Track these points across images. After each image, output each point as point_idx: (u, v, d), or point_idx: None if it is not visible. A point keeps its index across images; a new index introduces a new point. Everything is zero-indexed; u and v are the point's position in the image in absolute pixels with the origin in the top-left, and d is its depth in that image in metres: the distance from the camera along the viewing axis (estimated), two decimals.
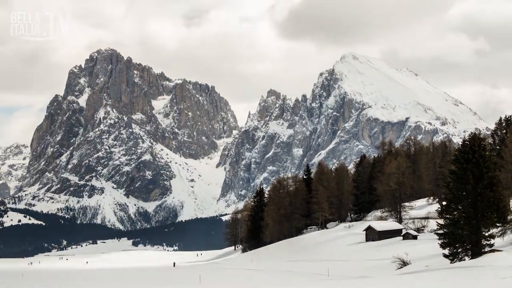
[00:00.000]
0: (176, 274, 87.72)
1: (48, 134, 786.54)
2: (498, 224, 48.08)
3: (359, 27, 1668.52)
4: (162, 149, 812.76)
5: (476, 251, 46.93)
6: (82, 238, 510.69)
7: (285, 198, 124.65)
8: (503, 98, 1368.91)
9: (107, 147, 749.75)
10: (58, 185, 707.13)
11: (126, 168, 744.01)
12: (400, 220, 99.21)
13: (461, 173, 47.33)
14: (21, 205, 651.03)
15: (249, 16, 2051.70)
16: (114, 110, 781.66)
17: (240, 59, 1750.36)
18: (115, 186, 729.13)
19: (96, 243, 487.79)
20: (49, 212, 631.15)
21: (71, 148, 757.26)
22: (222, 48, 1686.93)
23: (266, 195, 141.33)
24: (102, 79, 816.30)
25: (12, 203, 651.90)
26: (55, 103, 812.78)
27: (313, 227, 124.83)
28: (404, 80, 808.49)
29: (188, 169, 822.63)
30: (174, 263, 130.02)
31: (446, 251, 48.25)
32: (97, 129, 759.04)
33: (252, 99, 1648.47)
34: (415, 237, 79.75)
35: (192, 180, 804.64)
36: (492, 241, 47.63)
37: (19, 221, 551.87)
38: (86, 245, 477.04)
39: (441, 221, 49.96)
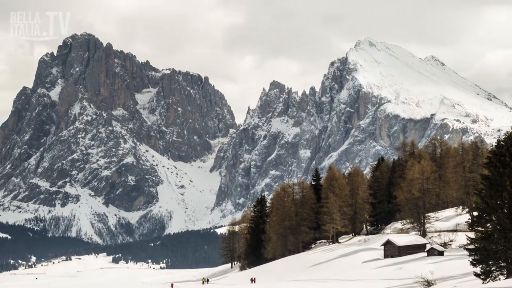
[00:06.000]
0: None
1: (14, 133, 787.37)
2: None
3: None
4: (147, 151, 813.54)
5: None
6: (54, 254, 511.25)
7: (290, 208, 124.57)
8: None
9: (83, 148, 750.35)
10: (26, 192, 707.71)
11: (106, 173, 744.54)
12: (423, 234, 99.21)
13: (495, 178, 47.23)
14: None
15: None
16: (91, 105, 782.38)
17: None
18: (92, 193, 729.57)
19: (71, 259, 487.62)
20: (16, 224, 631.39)
21: (42, 149, 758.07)
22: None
23: (268, 204, 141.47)
24: (77, 68, 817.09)
25: None
26: (23, 97, 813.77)
27: (323, 241, 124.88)
28: (429, 71, 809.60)
29: (177, 174, 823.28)
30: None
31: (478, 269, 48.15)
32: (71, 127, 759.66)
33: (252, 93, 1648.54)
34: (441, 253, 79.78)
35: (182, 187, 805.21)
36: None
37: None
38: (58, 262, 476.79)
39: (472, 235, 49.91)
